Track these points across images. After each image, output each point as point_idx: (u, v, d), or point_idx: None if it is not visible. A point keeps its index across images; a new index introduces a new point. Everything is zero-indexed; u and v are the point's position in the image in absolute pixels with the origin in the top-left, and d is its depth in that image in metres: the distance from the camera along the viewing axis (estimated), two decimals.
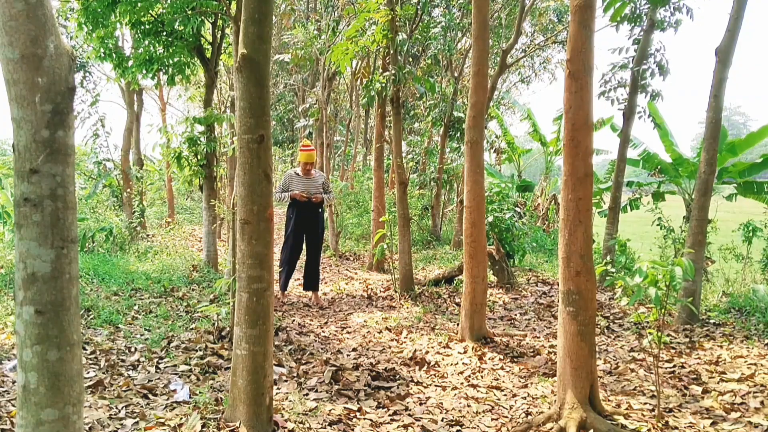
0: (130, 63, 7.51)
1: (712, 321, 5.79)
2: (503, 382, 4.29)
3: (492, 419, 3.61)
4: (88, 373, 3.93)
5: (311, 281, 6.94)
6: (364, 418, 3.52)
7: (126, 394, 3.62)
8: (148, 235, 11.77)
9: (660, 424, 3.40)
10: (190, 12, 6.93)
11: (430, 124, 12.81)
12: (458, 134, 11.77)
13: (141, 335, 4.99)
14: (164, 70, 7.70)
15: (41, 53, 1.75)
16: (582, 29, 3.41)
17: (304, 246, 6.95)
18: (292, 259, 6.87)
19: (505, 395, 4.04)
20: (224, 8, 7.16)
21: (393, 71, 7.61)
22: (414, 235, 12.14)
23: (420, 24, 9.77)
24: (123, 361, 4.27)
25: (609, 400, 3.84)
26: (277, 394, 3.76)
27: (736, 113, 75.33)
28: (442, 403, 3.84)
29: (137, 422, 3.21)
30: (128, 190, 11.78)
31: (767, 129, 9.58)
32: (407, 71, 7.74)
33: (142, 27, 7.20)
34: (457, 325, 5.64)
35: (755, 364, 4.46)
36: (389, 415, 3.60)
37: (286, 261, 6.85)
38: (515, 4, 11.19)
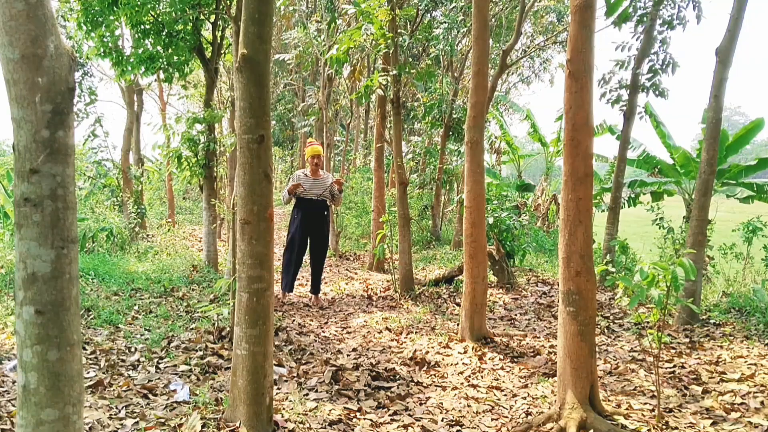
0: (131, 61, 7.51)
1: (712, 321, 5.79)
2: (503, 382, 4.29)
3: (492, 419, 3.61)
4: (88, 373, 3.93)
5: (315, 284, 6.94)
6: (364, 418, 3.52)
7: (126, 394, 3.62)
8: (148, 235, 11.77)
9: (660, 424, 3.39)
10: (189, 11, 6.93)
11: (429, 126, 12.80)
12: (458, 134, 11.77)
13: (141, 335, 4.99)
14: (164, 69, 7.71)
15: (41, 53, 1.75)
16: (582, 29, 3.41)
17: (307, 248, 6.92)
18: (297, 260, 6.83)
19: (505, 395, 4.04)
20: (224, 8, 7.16)
21: (394, 71, 7.61)
22: (414, 235, 12.15)
23: (421, 24, 9.76)
24: (123, 361, 4.26)
25: (609, 400, 3.84)
26: (277, 394, 3.76)
27: (736, 113, 75.39)
28: (442, 403, 3.84)
29: (137, 422, 3.20)
30: (127, 190, 11.77)
31: (759, 122, 9.58)
32: (408, 71, 7.72)
33: (142, 27, 7.20)
34: (457, 325, 5.64)
35: (755, 364, 4.46)
36: (389, 415, 3.60)
37: (289, 262, 6.80)
38: (515, 5, 11.19)
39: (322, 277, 7.81)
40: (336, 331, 5.70)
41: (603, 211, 9.41)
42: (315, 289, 6.95)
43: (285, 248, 6.91)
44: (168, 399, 3.60)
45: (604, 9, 7.13)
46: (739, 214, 10.12)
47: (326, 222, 6.95)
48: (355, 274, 9.18)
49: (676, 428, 3.39)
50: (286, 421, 3.33)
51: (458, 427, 3.48)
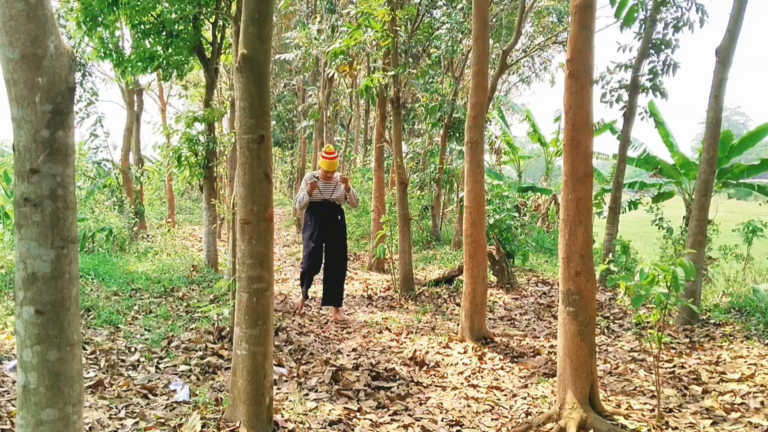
0: (131, 61, 7.51)
1: (712, 321, 5.79)
2: (503, 382, 4.29)
3: (492, 419, 3.61)
4: (88, 373, 3.93)
5: (332, 295, 6.36)
6: (364, 418, 3.52)
7: (126, 394, 3.62)
8: (147, 235, 11.77)
9: (660, 424, 3.40)
10: (190, 9, 6.93)
11: (431, 126, 12.80)
12: (458, 134, 11.77)
13: (141, 335, 4.99)
14: (162, 68, 7.71)
15: (41, 53, 1.75)
16: (582, 29, 3.41)
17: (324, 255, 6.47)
18: (311, 267, 6.39)
19: (505, 395, 4.04)
20: (224, 8, 7.16)
21: (394, 71, 7.60)
22: (414, 235, 12.13)
23: (421, 24, 9.75)
24: (123, 361, 4.26)
25: (609, 400, 3.84)
26: (277, 394, 3.76)
27: (736, 113, 75.34)
28: (442, 404, 3.84)
29: (137, 422, 3.20)
30: (127, 191, 11.77)
31: (765, 127, 9.58)
32: (407, 70, 7.71)
33: (142, 27, 7.20)
34: (457, 325, 5.64)
35: (755, 364, 4.46)
36: (389, 415, 3.60)
37: (305, 270, 6.42)
38: (515, 5, 11.19)
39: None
40: (336, 331, 5.70)
41: (603, 217, 9.33)
42: (335, 299, 6.34)
43: (303, 256, 6.49)
44: (168, 399, 3.60)
45: (604, 9, 7.15)
46: (739, 214, 10.12)
47: (343, 228, 6.52)
48: (355, 274, 9.18)
49: (676, 428, 3.39)
50: (286, 421, 3.33)
51: (458, 427, 3.48)
